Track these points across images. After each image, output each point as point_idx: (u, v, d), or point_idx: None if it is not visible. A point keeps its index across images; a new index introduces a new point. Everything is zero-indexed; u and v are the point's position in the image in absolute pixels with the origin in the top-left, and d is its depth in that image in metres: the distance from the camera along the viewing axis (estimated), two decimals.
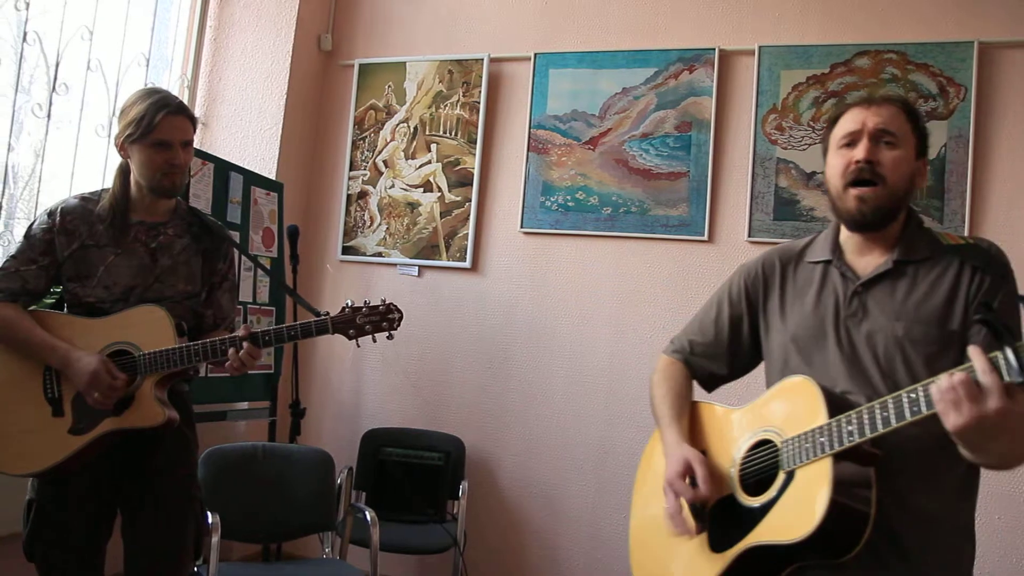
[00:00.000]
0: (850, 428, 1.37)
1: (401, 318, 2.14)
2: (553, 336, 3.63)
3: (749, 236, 3.33)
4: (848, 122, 1.61)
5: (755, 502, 1.52)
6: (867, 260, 1.63)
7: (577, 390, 3.56)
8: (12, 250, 2.15)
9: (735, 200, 3.39)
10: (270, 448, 3.04)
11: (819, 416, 1.44)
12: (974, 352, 1.22)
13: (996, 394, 1.18)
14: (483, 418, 3.71)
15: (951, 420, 1.22)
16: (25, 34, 3.08)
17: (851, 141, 1.59)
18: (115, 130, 2.14)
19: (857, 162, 1.56)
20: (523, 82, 3.78)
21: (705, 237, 3.40)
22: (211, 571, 2.56)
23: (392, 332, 2.13)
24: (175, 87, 3.89)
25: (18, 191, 3.17)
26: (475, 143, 3.81)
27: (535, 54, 3.74)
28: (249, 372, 2.13)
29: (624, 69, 3.60)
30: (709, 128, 3.43)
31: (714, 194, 3.42)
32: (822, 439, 1.41)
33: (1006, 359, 1.18)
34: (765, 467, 1.55)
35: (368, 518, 2.99)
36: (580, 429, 3.54)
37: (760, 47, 3.39)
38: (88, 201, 2.17)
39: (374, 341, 2.14)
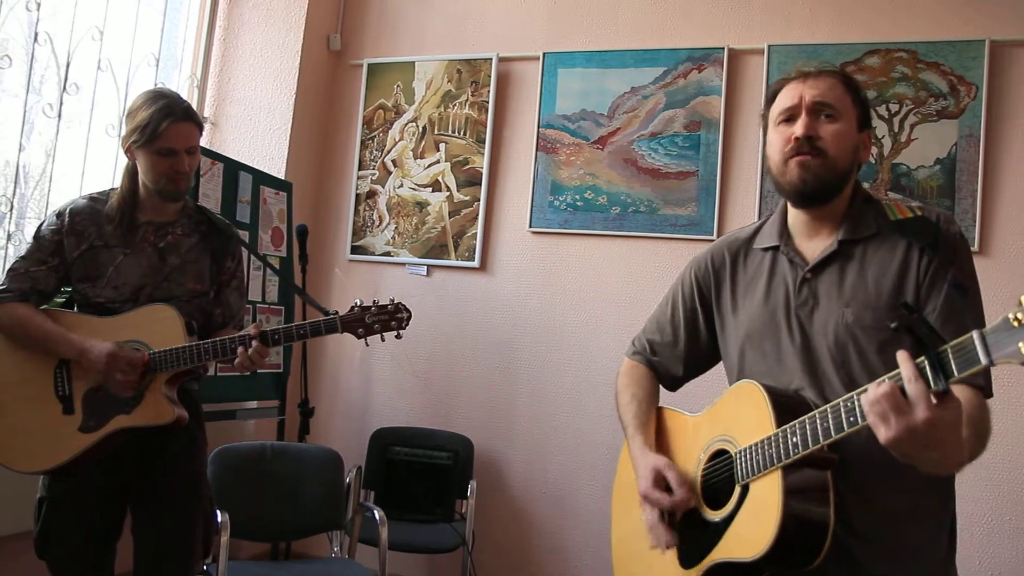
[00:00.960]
0: (795, 440, 1.31)
1: (410, 317, 2.14)
2: (562, 335, 3.63)
3: None
4: (785, 97, 1.53)
5: (716, 516, 1.47)
6: (815, 243, 1.55)
7: (586, 389, 3.55)
8: (23, 249, 2.16)
9: (744, 199, 3.38)
10: (279, 447, 3.04)
11: (767, 425, 1.38)
12: (902, 357, 1.14)
13: (923, 404, 1.10)
14: (492, 417, 3.71)
15: (881, 433, 1.15)
16: (36, 35, 3.09)
17: (789, 116, 1.51)
18: (124, 130, 2.15)
19: (796, 138, 1.47)
20: (532, 82, 3.77)
21: (714, 236, 3.39)
22: (220, 569, 2.57)
23: (401, 331, 2.13)
24: (184, 87, 3.91)
25: (29, 190, 3.19)
26: (484, 143, 3.81)
27: (544, 54, 3.74)
28: (258, 371, 2.12)
29: (633, 68, 3.59)
30: (718, 127, 3.42)
31: (723, 193, 3.41)
32: (771, 451, 1.35)
33: (932, 365, 1.10)
34: (724, 479, 1.49)
35: (377, 517, 2.99)
36: (588, 429, 3.53)
37: (769, 46, 3.38)
38: (96, 201, 2.18)
39: (383, 340, 2.14)
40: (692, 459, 1.58)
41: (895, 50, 3.21)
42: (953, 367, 1.08)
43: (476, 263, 3.77)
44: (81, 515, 2.08)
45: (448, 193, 3.86)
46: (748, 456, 1.41)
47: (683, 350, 1.76)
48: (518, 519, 3.63)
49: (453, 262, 3.82)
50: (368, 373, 3.96)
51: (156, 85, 3.67)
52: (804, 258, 1.54)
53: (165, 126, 2.04)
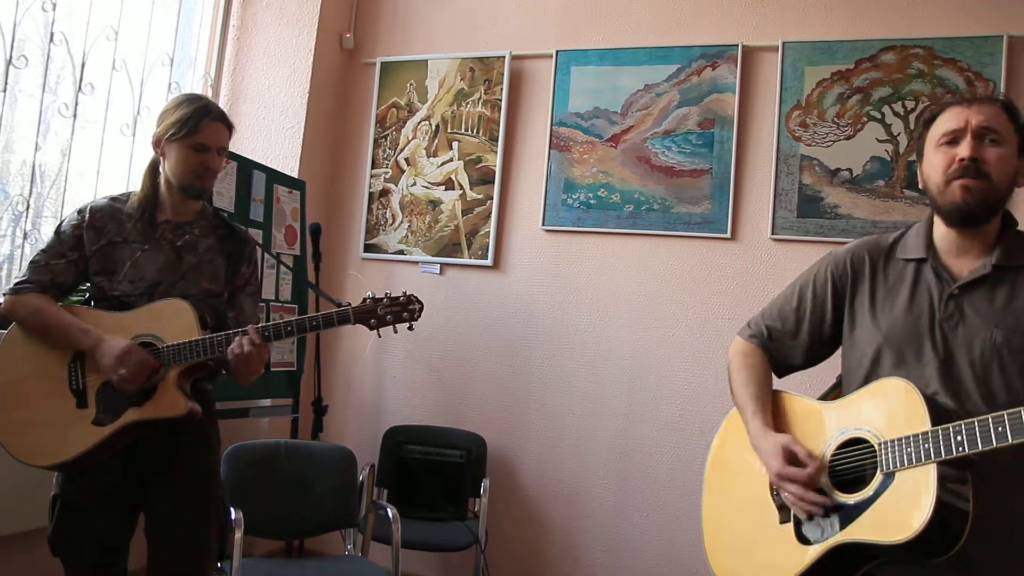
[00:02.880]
0: (959, 439, 1.38)
1: (422, 309, 2.15)
2: (575, 334, 3.62)
3: (772, 234, 3.30)
4: (949, 120, 1.59)
5: (849, 499, 1.52)
6: (963, 262, 1.61)
7: (599, 388, 3.55)
8: (40, 248, 2.18)
9: (758, 197, 3.36)
10: (292, 445, 3.05)
11: (921, 422, 1.44)
12: None
13: None
14: (505, 416, 3.70)
15: None
16: (52, 35, 3.11)
17: (953, 139, 1.57)
18: (151, 127, 2.19)
19: (962, 160, 1.54)
20: (545, 79, 3.77)
21: (728, 235, 3.38)
22: (234, 567, 2.57)
23: (413, 323, 2.13)
24: (198, 86, 3.92)
25: (45, 190, 3.21)
26: (497, 141, 3.80)
27: (557, 51, 3.73)
28: (270, 370, 2.12)
29: (646, 66, 3.58)
30: (732, 125, 3.41)
31: (737, 191, 3.39)
32: (927, 445, 1.41)
33: None
34: (858, 465, 1.55)
35: (390, 515, 3.00)
36: (602, 428, 3.52)
37: (784, 43, 3.36)
38: (117, 201, 2.22)
39: (395, 332, 2.15)
40: (818, 443, 1.65)
41: (911, 46, 3.19)
42: None
43: (489, 261, 3.77)
44: (95, 513, 2.09)
45: (461, 191, 3.86)
46: (898, 447, 1.47)
47: (804, 340, 1.82)
48: (531, 517, 3.63)
49: (466, 260, 3.82)
50: (381, 371, 3.97)
51: (171, 84, 3.69)
52: (952, 274, 1.61)
53: (205, 123, 2.13)
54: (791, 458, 1.61)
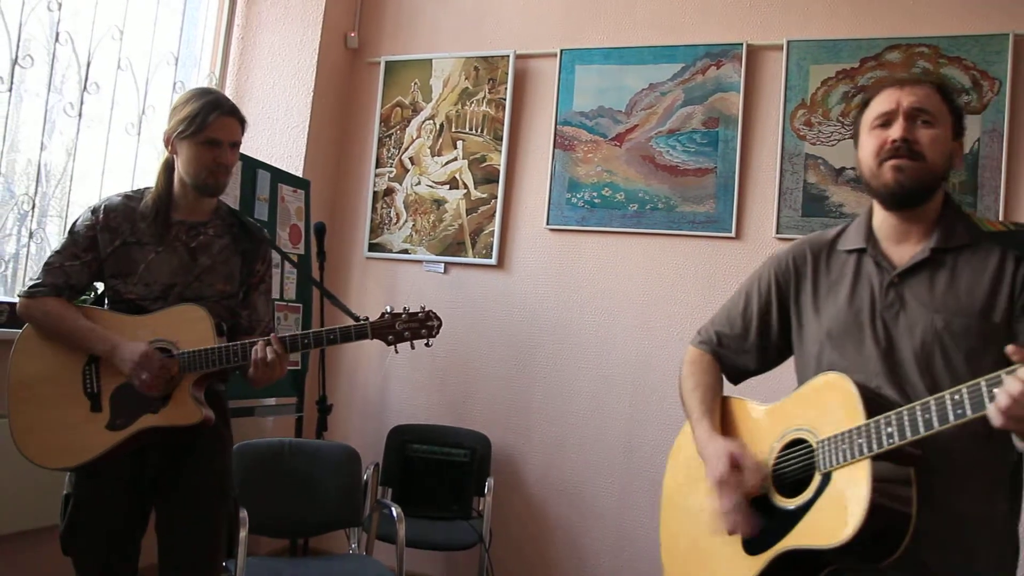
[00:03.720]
0: (889, 430, 1.34)
1: (440, 326, 2.14)
2: (579, 333, 3.62)
3: (777, 233, 3.29)
4: (882, 103, 1.57)
5: (790, 503, 1.49)
6: (903, 248, 1.58)
7: (603, 387, 3.55)
8: (47, 247, 2.18)
9: (763, 196, 3.36)
10: (297, 444, 3.05)
11: (856, 416, 1.40)
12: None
13: None
14: (509, 415, 3.71)
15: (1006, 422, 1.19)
16: (57, 34, 3.12)
17: (886, 121, 1.55)
18: (156, 126, 2.17)
19: (894, 141, 1.51)
20: (549, 78, 3.76)
21: (732, 234, 3.37)
22: (239, 566, 2.57)
23: (431, 340, 2.12)
24: (203, 86, 3.92)
25: (50, 189, 3.22)
26: (501, 140, 3.80)
27: (561, 50, 3.73)
28: (277, 380, 2.11)
29: (651, 65, 3.58)
30: (737, 124, 3.40)
31: (742, 190, 3.39)
32: (860, 440, 1.38)
33: None
34: (800, 468, 1.51)
35: (394, 514, 3.00)
36: (606, 427, 3.52)
37: (788, 41, 3.35)
38: (131, 199, 2.19)
39: (412, 348, 2.13)
40: (764, 448, 1.61)
41: (916, 45, 3.18)
42: None
43: (493, 260, 3.77)
44: (107, 511, 2.10)
45: (465, 190, 3.86)
46: (833, 445, 1.43)
47: (753, 343, 1.79)
48: (535, 517, 3.63)
49: (470, 260, 3.82)
50: (386, 370, 3.97)
51: (176, 84, 3.69)
52: (891, 262, 1.58)
53: (213, 118, 2.09)
54: (736, 465, 1.56)
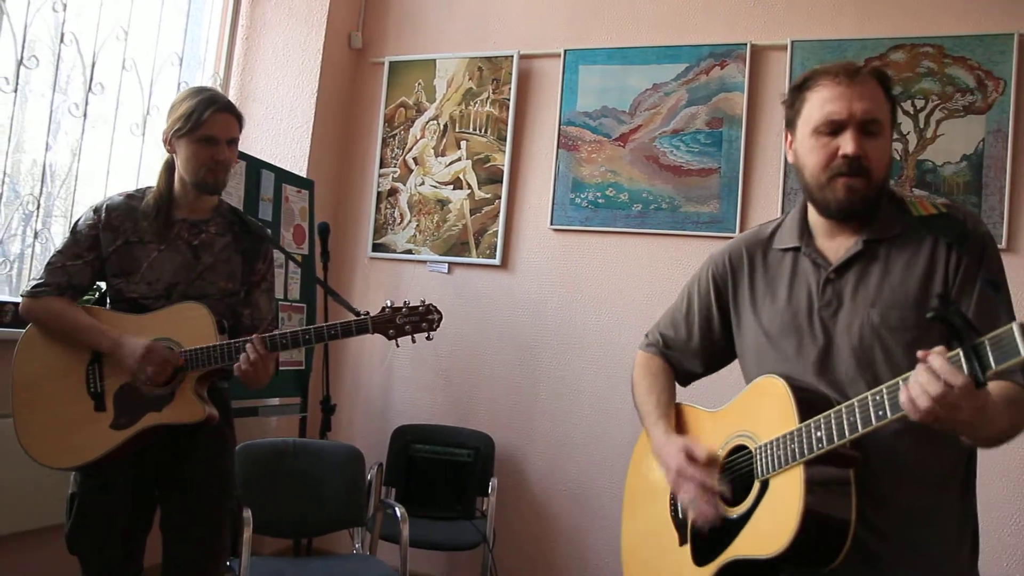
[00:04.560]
0: (819, 434, 1.30)
1: (440, 319, 2.14)
2: (583, 333, 3.62)
3: None
4: (830, 103, 1.45)
5: (733, 512, 1.46)
6: (837, 243, 1.52)
7: (607, 387, 3.54)
8: (51, 247, 2.18)
9: (766, 197, 3.36)
10: (301, 444, 3.06)
11: (790, 419, 1.37)
12: (937, 351, 1.15)
13: (963, 392, 1.12)
14: (513, 415, 3.71)
15: (918, 413, 1.16)
16: (62, 35, 3.13)
17: (835, 129, 1.45)
18: (161, 126, 2.17)
19: (845, 156, 1.43)
20: (553, 79, 3.77)
21: (736, 234, 3.35)
22: (243, 565, 2.58)
23: (431, 333, 2.12)
24: (207, 86, 3.93)
25: (55, 189, 3.22)
26: (505, 140, 3.80)
27: (565, 51, 3.73)
28: (266, 381, 2.12)
29: (654, 65, 3.57)
30: (740, 124, 3.40)
31: (745, 191, 3.39)
32: (792, 445, 1.34)
33: (967, 357, 1.11)
34: (742, 475, 1.48)
35: (398, 514, 3.00)
36: (609, 427, 3.52)
37: (793, 42, 3.35)
38: (133, 199, 2.20)
39: (413, 342, 2.14)
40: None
41: (921, 45, 3.17)
42: (991, 359, 1.09)
43: (497, 261, 3.77)
44: (112, 511, 2.10)
45: (469, 191, 3.86)
46: (769, 451, 1.40)
47: (697, 346, 1.76)
48: (539, 517, 3.63)
49: (474, 260, 3.83)
50: (389, 371, 3.97)
51: (180, 84, 3.70)
52: (827, 258, 1.53)
53: (208, 115, 2.09)
54: (692, 457, 1.52)
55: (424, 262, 3.94)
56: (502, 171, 3.80)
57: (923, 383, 1.15)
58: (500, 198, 3.79)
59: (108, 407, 2.09)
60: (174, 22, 3.71)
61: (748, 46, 3.41)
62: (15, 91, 2.96)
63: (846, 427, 1.27)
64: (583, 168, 3.65)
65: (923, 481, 1.41)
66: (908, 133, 3.17)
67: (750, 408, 1.52)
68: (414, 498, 3.48)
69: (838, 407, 1.30)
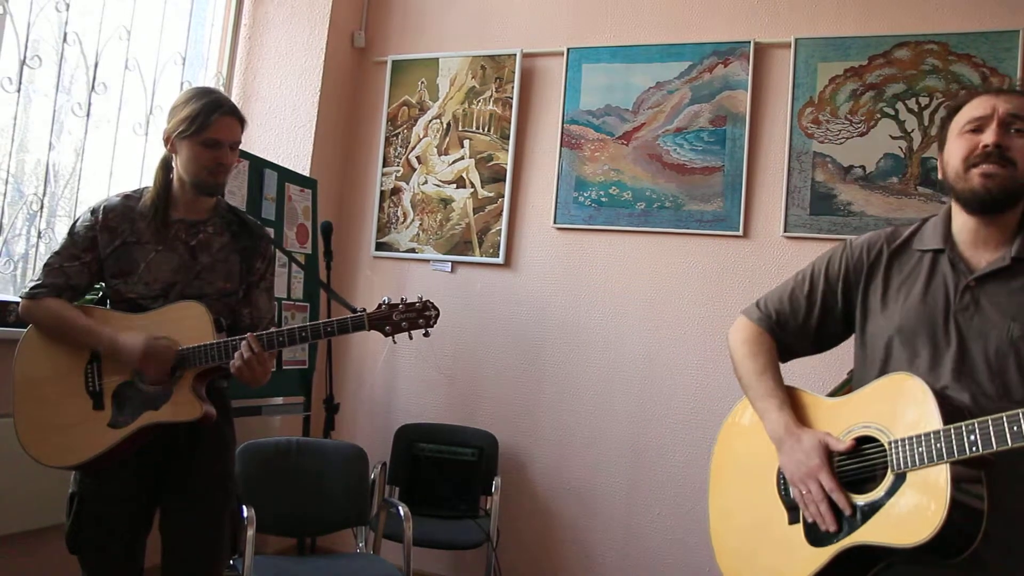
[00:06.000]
0: (972, 438, 1.34)
1: (438, 315, 2.13)
2: (586, 332, 3.61)
3: (785, 231, 3.28)
4: (975, 108, 1.55)
5: (859, 499, 1.49)
6: (981, 253, 1.57)
7: (610, 387, 3.54)
8: (55, 247, 2.19)
9: (771, 195, 3.35)
10: (304, 443, 3.06)
11: (932, 420, 1.41)
12: None
13: None
14: (516, 414, 3.70)
15: None
16: (65, 35, 3.13)
17: (978, 127, 1.54)
18: (163, 125, 2.17)
19: (985, 146, 1.50)
20: (556, 77, 3.76)
21: (740, 232, 3.36)
22: (246, 564, 2.58)
23: (429, 330, 2.12)
24: (210, 85, 3.93)
25: (59, 189, 3.23)
26: (508, 139, 3.80)
27: (568, 49, 3.72)
28: (263, 379, 2.11)
29: (658, 63, 3.57)
30: (744, 122, 3.39)
31: (749, 189, 3.38)
32: (939, 445, 1.38)
33: None
34: (869, 465, 1.51)
35: (401, 513, 3.00)
36: (613, 426, 3.52)
37: (796, 39, 3.34)
38: (130, 199, 2.20)
39: (410, 338, 2.13)
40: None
41: (925, 42, 3.16)
42: None
43: (501, 259, 3.77)
44: (112, 510, 2.10)
45: (472, 189, 3.86)
46: (909, 446, 1.43)
47: (812, 328, 1.78)
48: (543, 516, 3.62)
49: (478, 258, 3.82)
50: (393, 370, 3.97)
51: (183, 84, 3.70)
52: (969, 265, 1.58)
53: (214, 118, 2.09)
54: (830, 458, 1.55)
55: (427, 261, 3.93)
56: (505, 170, 3.79)
57: None
58: (503, 197, 3.78)
59: (106, 406, 2.09)
60: (177, 21, 3.71)
61: (752, 44, 3.40)
62: (19, 91, 2.96)
63: (1008, 435, 1.30)
64: (586, 167, 3.64)
65: None
66: (912, 131, 3.16)
67: (882, 402, 1.54)
68: (418, 497, 3.48)
69: (998, 416, 1.33)
